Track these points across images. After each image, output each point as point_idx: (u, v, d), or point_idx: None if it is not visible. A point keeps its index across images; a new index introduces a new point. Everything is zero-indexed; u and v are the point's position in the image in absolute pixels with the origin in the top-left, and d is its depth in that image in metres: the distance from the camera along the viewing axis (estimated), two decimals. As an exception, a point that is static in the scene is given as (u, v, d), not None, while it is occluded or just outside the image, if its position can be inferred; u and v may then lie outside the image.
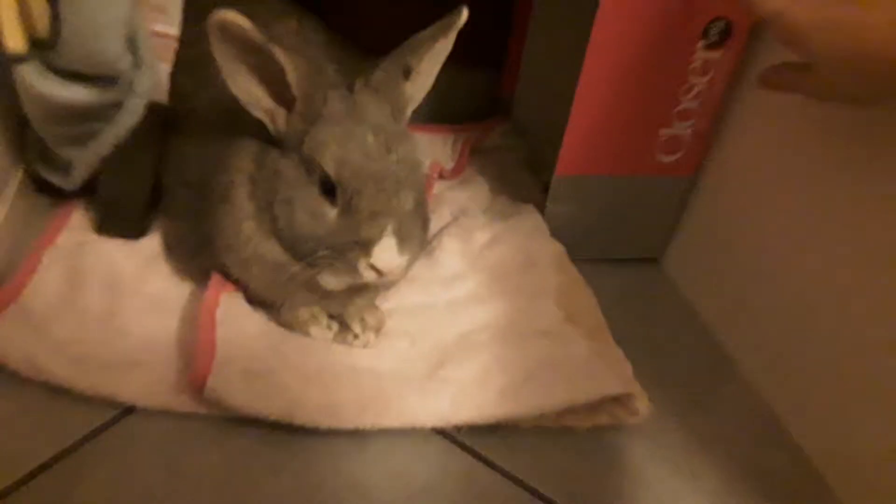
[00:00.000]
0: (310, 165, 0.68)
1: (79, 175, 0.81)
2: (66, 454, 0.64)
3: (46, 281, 0.77)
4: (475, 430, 0.74)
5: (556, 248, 0.96)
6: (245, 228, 0.72)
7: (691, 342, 0.95)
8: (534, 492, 0.70)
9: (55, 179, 0.86)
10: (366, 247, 0.67)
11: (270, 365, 0.71)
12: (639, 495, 0.72)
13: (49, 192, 0.91)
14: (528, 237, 0.97)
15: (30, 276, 0.76)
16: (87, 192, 0.87)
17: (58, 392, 0.68)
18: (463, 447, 0.73)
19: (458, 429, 0.74)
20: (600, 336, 0.85)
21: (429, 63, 0.75)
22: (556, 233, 0.99)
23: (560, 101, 0.92)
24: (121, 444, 0.66)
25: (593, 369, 0.78)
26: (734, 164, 0.96)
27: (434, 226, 0.99)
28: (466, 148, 1.16)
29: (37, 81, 0.68)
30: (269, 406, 0.67)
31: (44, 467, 0.62)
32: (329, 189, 0.68)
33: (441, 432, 0.73)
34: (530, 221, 0.99)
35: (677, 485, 0.74)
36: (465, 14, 0.75)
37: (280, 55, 0.65)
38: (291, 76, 0.66)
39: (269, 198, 0.71)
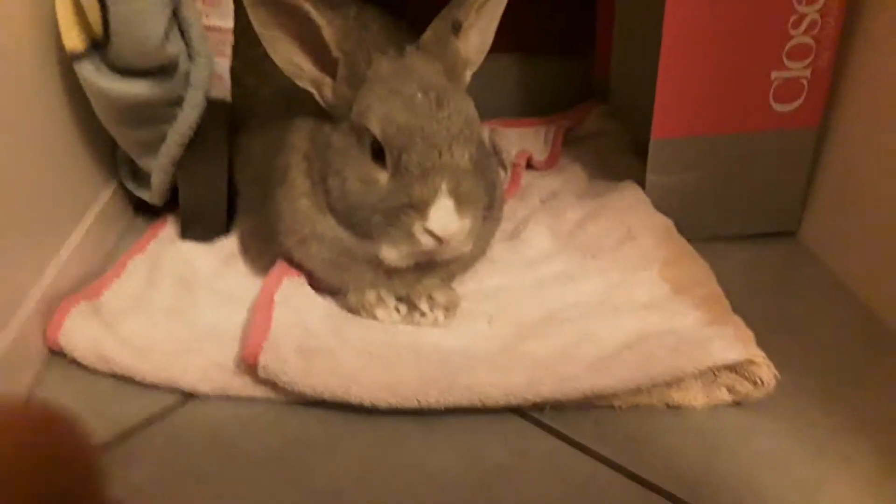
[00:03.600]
0: (359, 132, 0.65)
1: (158, 183, 0.83)
2: (122, 439, 0.61)
3: (128, 284, 0.77)
4: (562, 411, 0.64)
5: (660, 220, 0.85)
6: (301, 206, 0.70)
7: (840, 316, 0.79)
8: (633, 476, 0.58)
9: (144, 195, 0.89)
10: (420, 209, 0.62)
11: (329, 344, 0.66)
12: (772, 481, 0.58)
13: (145, 212, 0.95)
14: (628, 211, 0.86)
15: (113, 280, 0.77)
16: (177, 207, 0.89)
17: (122, 381, 0.67)
18: (545, 427, 0.63)
19: (541, 408, 0.64)
20: (714, 306, 0.72)
21: (482, 18, 0.71)
22: (664, 210, 0.87)
23: (655, 66, 0.82)
24: (177, 429, 0.63)
25: (703, 337, 0.66)
26: (870, 106, 0.81)
27: (521, 214, 0.92)
28: (559, 137, 1.08)
29: (94, 77, 0.70)
30: (325, 383, 0.62)
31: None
32: (379, 153, 0.64)
33: (519, 412, 0.64)
34: (630, 195, 0.89)
35: (823, 469, 0.59)
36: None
37: (314, 13, 0.63)
38: (328, 33, 0.64)
39: (323, 172, 0.68)
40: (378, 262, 0.68)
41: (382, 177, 0.65)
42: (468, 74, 0.73)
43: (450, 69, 0.69)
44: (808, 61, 0.82)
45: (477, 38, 0.72)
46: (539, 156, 1.05)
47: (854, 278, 0.82)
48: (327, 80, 0.68)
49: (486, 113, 1.14)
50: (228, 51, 0.76)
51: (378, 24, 0.87)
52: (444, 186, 0.62)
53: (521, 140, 1.09)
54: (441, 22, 0.69)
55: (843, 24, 0.80)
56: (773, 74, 0.83)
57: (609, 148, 1.06)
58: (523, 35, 1.09)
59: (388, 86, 0.65)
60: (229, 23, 0.75)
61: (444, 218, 0.62)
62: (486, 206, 0.69)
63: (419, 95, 0.64)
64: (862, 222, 0.82)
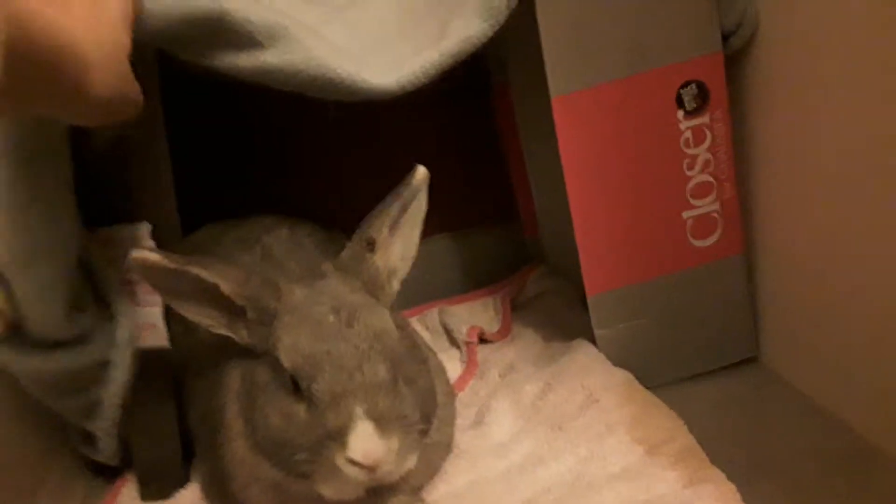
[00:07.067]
0: (276, 365, 0.63)
1: (106, 446, 0.80)
2: None
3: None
4: None
5: (619, 377, 0.84)
6: (237, 449, 0.67)
7: (819, 441, 0.76)
8: None
9: (99, 457, 0.86)
10: (338, 439, 0.59)
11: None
12: None
13: (104, 473, 0.91)
14: (584, 374, 0.85)
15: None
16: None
17: None
18: None
19: None
20: (691, 461, 0.70)
21: (399, 229, 0.71)
22: (620, 363, 0.87)
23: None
24: None
25: (683, 502, 0.63)
26: (784, 224, 0.83)
27: (483, 392, 0.91)
28: (507, 304, 1.09)
29: (12, 359, 0.70)
30: None
31: None
32: (297, 385, 0.62)
33: None
34: (583, 356, 0.88)
35: None
36: (420, 172, 0.72)
37: (205, 273, 0.64)
38: (225, 288, 0.65)
39: (249, 411, 0.66)
40: (324, 500, 0.65)
41: (301, 409, 0.62)
42: (396, 283, 0.72)
43: (369, 284, 0.70)
44: (713, 196, 0.86)
45: (399, 248, 0.72)
46: (491, 328, 1.06)
47: (825, 396, 0.81)
48: (240, 323, 0.67)
49: (432, 294, 1.16)
50: (160, 298, 0.76)
51: (314, 238, 0.89)
52: (358, 410, 0.59)
53: (471, 315, 1.09)
54: (357, 240, 0.71)
55: (735, 156, 0.85)
56: (685, 214, 0.86)
57: (556, 306, 1.07)
58: (450, 215, 1.14)
59: (298, 314, 0.65)
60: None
61: (366, 443, 0.58)
62: (422, 418, 0.66)
63: (330, 317, 0.63)
64: (822, 340, 0.80)
